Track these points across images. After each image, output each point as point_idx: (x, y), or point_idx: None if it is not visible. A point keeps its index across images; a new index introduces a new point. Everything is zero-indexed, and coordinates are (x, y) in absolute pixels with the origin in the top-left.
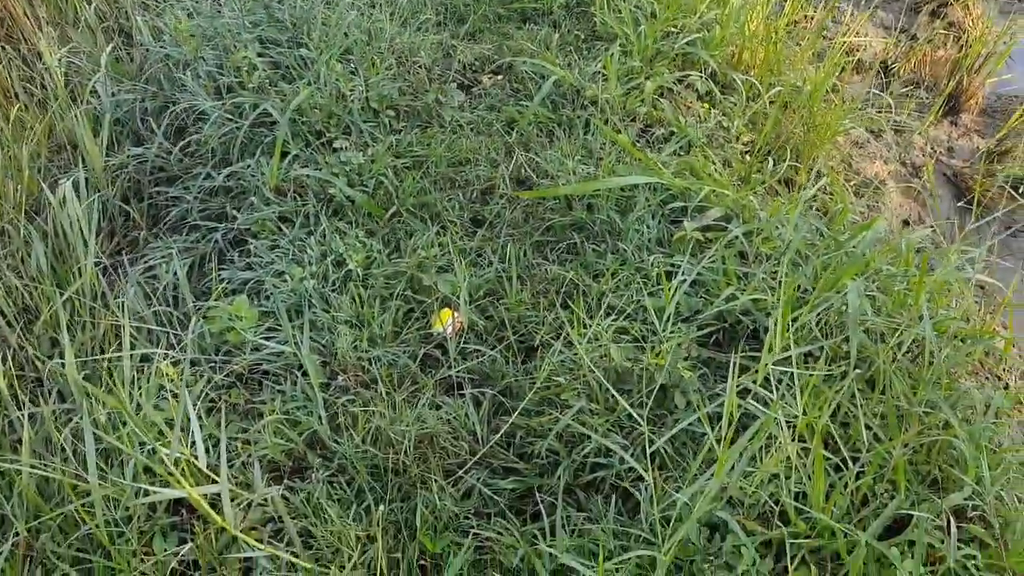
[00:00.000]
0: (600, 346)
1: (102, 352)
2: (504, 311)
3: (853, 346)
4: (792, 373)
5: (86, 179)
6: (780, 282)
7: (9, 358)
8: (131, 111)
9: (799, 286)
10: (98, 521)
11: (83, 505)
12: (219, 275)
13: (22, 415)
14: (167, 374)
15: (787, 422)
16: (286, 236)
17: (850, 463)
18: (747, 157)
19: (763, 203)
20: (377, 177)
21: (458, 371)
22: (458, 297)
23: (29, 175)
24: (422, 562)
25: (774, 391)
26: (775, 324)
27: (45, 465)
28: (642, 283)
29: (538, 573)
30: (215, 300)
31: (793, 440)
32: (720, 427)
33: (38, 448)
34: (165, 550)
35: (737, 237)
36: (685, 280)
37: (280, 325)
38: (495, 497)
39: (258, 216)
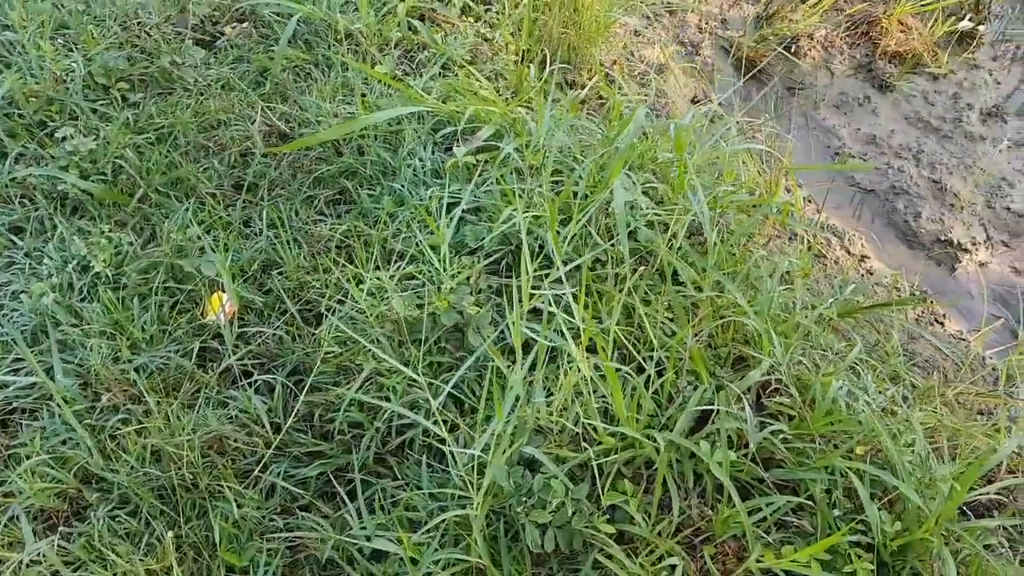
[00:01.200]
0: (386, 300)
1: None
2: (283, 281)
3: (623, 244)
4: (565, 285)
5: None
6: (550, 193)
7: None
8: None
9: (575, 193)
10: None
11: None
12: None
13: None
14: None
15: (574, 337)
16: (20, 248)
17: (648, 364)
18: (519, 67)
19: (534, 114)
20: (114, 161)
21: (240, 358)
22: (224, 278)
23: None
24: None
25: (557, 307)
26: (549, 238)
27: None
28: (423, 221)
29: (356, 560)
30: None
31: (584, 355)
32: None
33: None
34: None
35: (508, 155)
36: (458, 210)
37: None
38: (300, 490)
39: None
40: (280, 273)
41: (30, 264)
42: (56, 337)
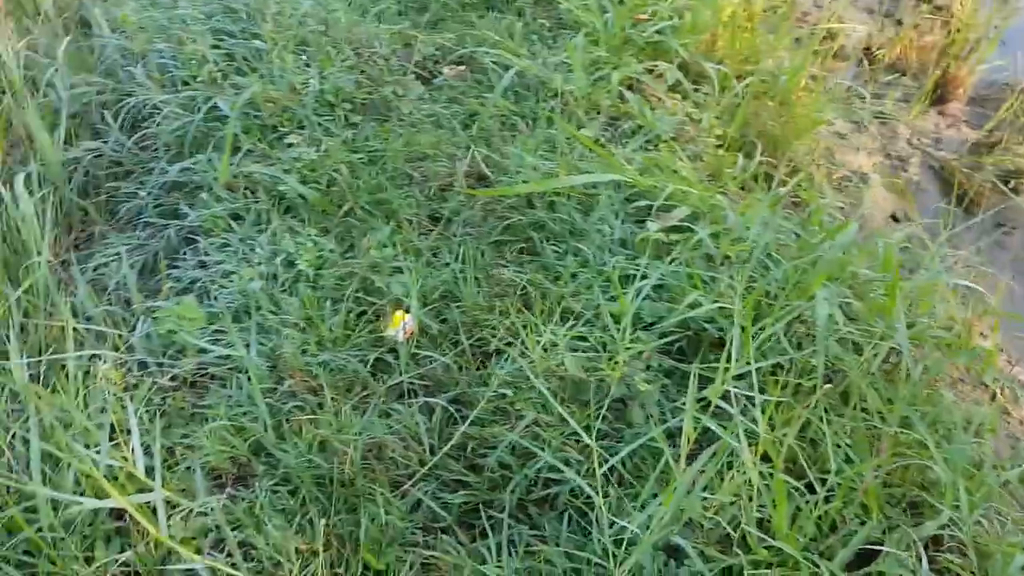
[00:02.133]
0: (556, 354)
1: (54, 352)
2: (459, 314)
3: (820, 359)
4: (755, 388)
5: (41, 174)
6: (743, 288)
7: None
8: (88, 104)
9: (768, 292)
10: (41, 525)
11: (26, 509)
12: (169, 274)
13: None
14: (110, 379)
15: (749, 442)
16: (236, 234)
17: (818, 486)
18: (719, 152)
19: (734, 202)
20: (331, 173)
21: (410, 377)
22: (410, 299)
23: None
24: None
25: (735, 406)
26: (737, 334)
27: None
28: (603, 287)
29: None
30: (163, 300)
31: (757, 461)
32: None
33: None
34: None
35: (702, 239)
36: (644, 284)
37: (226, 327)
38: (443, 512)
39: (208, 213)
40: (458, 306)
41: (242, 250)
42: (256, 319)
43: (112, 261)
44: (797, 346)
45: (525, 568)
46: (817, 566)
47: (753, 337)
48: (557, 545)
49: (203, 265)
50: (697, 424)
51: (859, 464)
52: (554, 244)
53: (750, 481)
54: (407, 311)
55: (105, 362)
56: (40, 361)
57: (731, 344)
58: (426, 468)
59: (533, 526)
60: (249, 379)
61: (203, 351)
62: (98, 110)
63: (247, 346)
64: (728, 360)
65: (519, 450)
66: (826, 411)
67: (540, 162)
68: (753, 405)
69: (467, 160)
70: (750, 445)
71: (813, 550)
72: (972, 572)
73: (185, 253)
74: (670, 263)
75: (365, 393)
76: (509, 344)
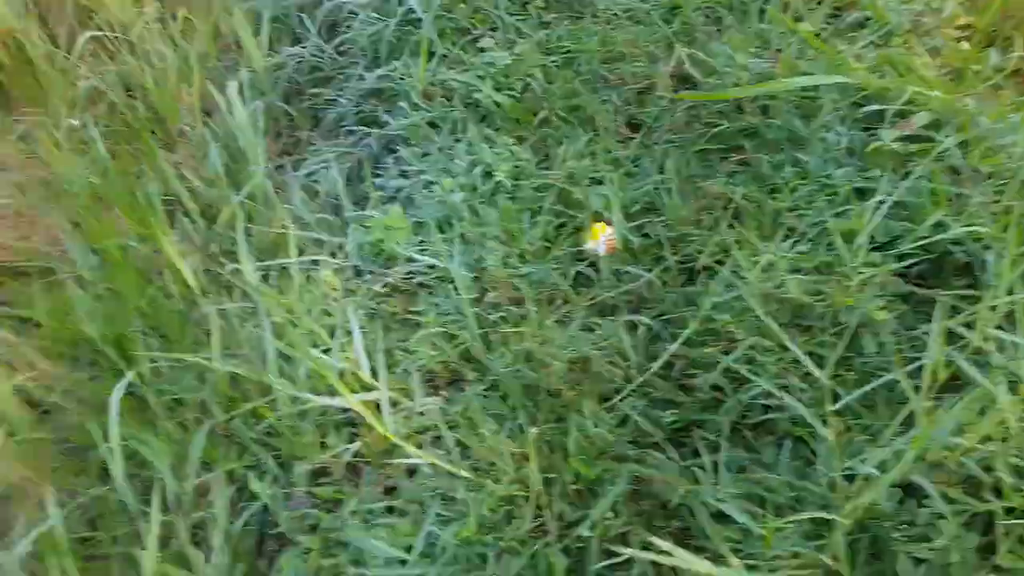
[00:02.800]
0: (775, 275)
1: (274, 256)
2: (663, 228)
3: None
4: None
5: (250, 80)
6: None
7: (197, 255)
8: (288, 8)
9: None
10: (280, 415)
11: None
12: (373, 183)
13: (211, 310)
14: (330, 283)
15: (1010, 382)
16: (435, 143)
17: None
18: (963, 45)
19: (983, 105)
20: (524, 79)
21: (612, 293)
22: (610, 212)
23: (200, 77)
24: (576, 486)
25: (991, 344)
26: (998, 257)
27: (233, 358)
28: (827, 202)
29: (697, 515)
30: (372, 209)
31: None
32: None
33: (226, 343)
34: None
35: (948, 149)
36: (883, 202)
37: (431, 237)
38: (654, 428)
39: (408, 122)
40: (661, 220)
41: (442, 160)
42: (459, 230)
43: (321, 168)
44: None
45: (742, 492)
46: None
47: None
48: (776, 473)
49: (405, 175)
50: (946, 360)
51: None
52: (769, 154)
53: (1005, 422)
54: (607, 224)
55: (323, 269)
56: (267, 265)
57: (994, 266)
58: (634, 385)
59: (748, 448)
60: (456, 289)
61: (411, 259)
62: (296, 14)
63: (452, 257)
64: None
65: (732, 374)
66: None
67: (751, 60)
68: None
69: (669, 61)
70: (1010, 386)
71: None
72: None
73: (388, 161)
74: (907, 176)
75: (567, 307)
76: (719, 262)
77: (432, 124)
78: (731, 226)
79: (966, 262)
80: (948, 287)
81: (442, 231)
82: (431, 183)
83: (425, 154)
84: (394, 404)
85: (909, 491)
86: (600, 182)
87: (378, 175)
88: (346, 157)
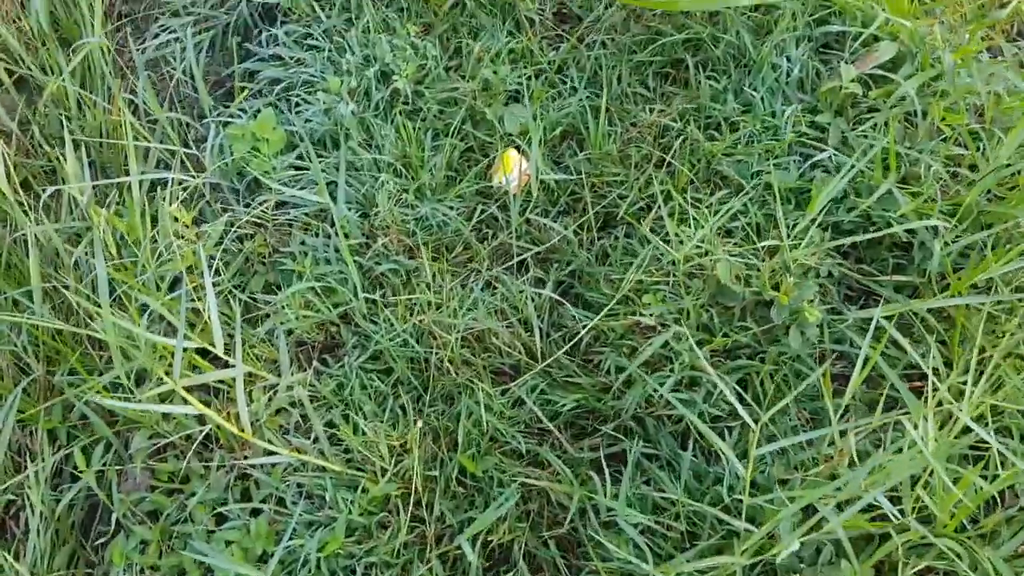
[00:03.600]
0: (702, 244)
1: (110, 160)
2: (584, 162)
3: None
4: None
5: None
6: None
7: (11, 148)
8: None
9: (985, 193)
10: (118, 372)
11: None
12: (242, 68)
13: (30, 224)
14: (178, 220)
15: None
16: (321, 23)
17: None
18: None
19: (953, 37)
20: None
21: (519, 243)
22: (526, 142)
23: None
24: (461, 479)
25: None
26: (937, 251)
27: (55, 289)
28: (769, 146)
29: (589, 525)
30: (237, 107)
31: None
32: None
33: (47, 269)
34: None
35: (906, 97)
36: (827, 170)
37: (310, 157)
38: (547, 421)
39: None
40: (583, 151)
41: (329, 49)
42: (345, 154)
43: (173, 39)
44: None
45: (638, 497)
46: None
47: (947, 246)
48: (677, 473)
49: (281, 61)
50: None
51: None
52: (713, 75)
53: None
54: (522, 153)
55: (170, 200)
56: (100, 183)
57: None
58: (536, 370)
59: (647, 439)
60: (339, 234)
61: (285, 184)
62: None
63: (333, 195)
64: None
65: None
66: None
67: None
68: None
69: None
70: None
71: (974, 530)
72: None
73: (260, 35)
74: (859, 124)
75: (468, 256)
76: (645, 209)
77: None
78: (659, 165)
79: (906, 242)
80: (882, 263)
81: (324, 150)
82: (313, 80)
83: (307, 35)
84: (253, 380)
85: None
86: (518, 97)
87: (247, 56)
88: (208, 23)
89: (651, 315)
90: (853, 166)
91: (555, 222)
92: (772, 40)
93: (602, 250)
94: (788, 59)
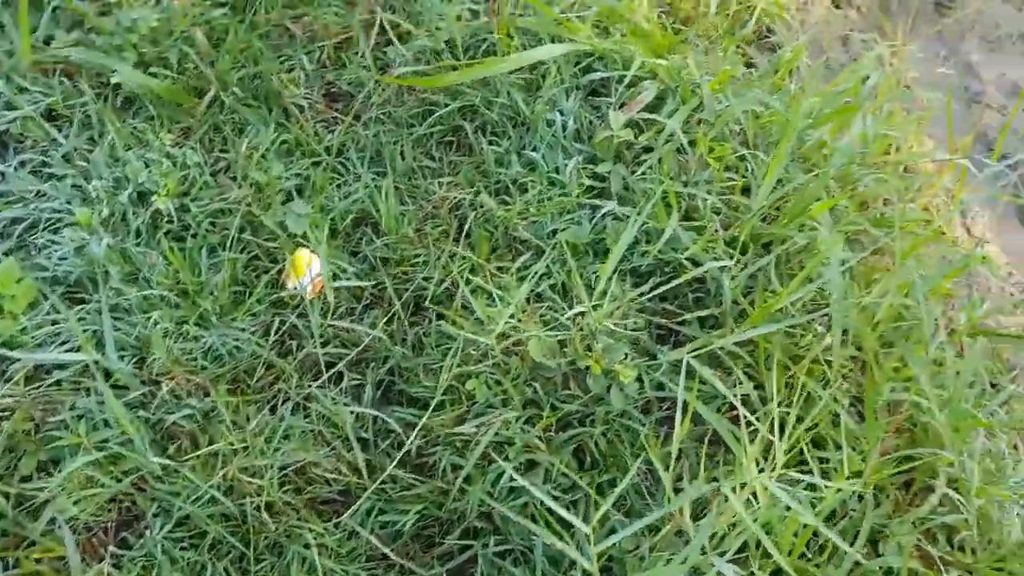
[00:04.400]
0: (512, 320)
1: None
2: (382, 247)
3: (837, 335)
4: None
5: None
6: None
7: None
8: None
9: (764, 207)
10: None
11: None
12: None
13: None
14: None
15: (750, 433)
16: (60, 146)
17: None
18: None
19: (707, 62)
20: (180, 45)
21: (326, 350)
22: (315, 239)
23: None
24: None
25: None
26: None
27: None
28: (559, 203)
29: None
30: None
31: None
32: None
33: None
34: None
35: (674, 135)
36: (615, 216)
37: (65, 307)
38: (385, 545)
39: (14, 115)
40: (378, 235)
41: (72, 176)
42: (107, 296)
43: None
44: (781, 279)
45: None
46: None
47: (735, 278)
48: (532, 565)
49: (20, 199)
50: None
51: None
52: (494, 138)
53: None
54: (312, 252)
55: None
56: None
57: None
58: (367, 495)
59: (497, 531)
60: (108, 396)
61: (40, 345)
62: None
63: (101, 341)
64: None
65: (474, 446)
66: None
67: (462, 8)
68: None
69: (364, 7)
70: (749, 440)
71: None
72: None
73: None
74: (637, 167)
75: (271, 378)
76: (452, 287)
77: (52, 113)
78: (458, 239)
79: (700, 278)
80: (683, 299)
81: (84, 293)
82: (58, 215)
83: (44, 163)
84: None
85: None
86: (299, 192)
87: None
88: None
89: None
90: (639, 215)
91: (362, 318)
92: (543, 96)
93: (417, 339)
94: (561, 112)
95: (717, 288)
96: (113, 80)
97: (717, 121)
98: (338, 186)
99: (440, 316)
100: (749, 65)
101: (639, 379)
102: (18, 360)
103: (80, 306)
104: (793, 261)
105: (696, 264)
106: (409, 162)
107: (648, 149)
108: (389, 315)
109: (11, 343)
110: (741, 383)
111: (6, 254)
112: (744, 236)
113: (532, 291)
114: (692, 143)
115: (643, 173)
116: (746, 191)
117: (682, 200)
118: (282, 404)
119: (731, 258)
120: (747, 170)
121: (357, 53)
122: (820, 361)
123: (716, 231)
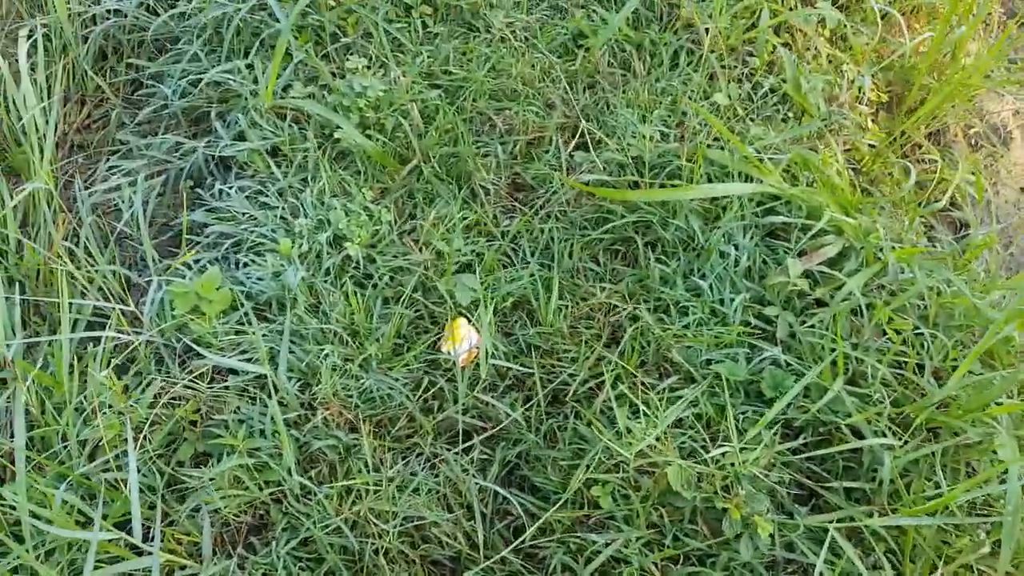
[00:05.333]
0: (654, 442)
1: (45, 307)
2: (535, 335)
3: (1004, 558)
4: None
5: (47, 35)
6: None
7: None
8: None
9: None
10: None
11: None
12: (190, 218)
13: None
14: (107, 386)
15: None
16: (276, 180)
17: None
18: (873, 126)
19: (894, 219)
20: (397, 116)
21: (465, 418)
22: (477, 315)
23: None
24: None
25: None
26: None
27: None
28: (718, 335)
29: None
30: (180, 262)
31: None
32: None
33: None
34: None
35: (852, 295)
36: (777, 363)
37: (253, 321)
38: None
39: (245, 146)
40: (533, 322)
41: (282, 209)
42: (290, 321)
43: (125, 183)
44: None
45: None
46: None
47: (897, 457)
48: None
49: (232, 216)
50: None
51: None
52: (662, 257)
53: None
54: (472, 324)
55: (100, 363)
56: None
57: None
58: (476, 571)
59: None
60: (274, 412)
61: (222, 349)
62: None
63: (276, 357)
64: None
65: (592, 549)
66: None
67: (655, 130)
68: None
69: (565, 108)
70: None
71: None
72: None
73: (213, 188)
74: (805, 318)
75: (411, 429)
76: (589, 396)
77: (276, 151)
78: (609, 344)
79: (855, 448)
80: (832, 463)
81: (269, 312)
82: (263, 240)
83: (260, 192)
84: (171, 569)
85: None
86: (471, 266)
87: (198, 203)
88: (161, 167)
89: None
90: (806, 371)
91: (503, 397)
92: (721, 229)
93: (551, 430)
94: (736, 247)
95: (872, 461)
96: (336, 135)
97: (900, 294)
98: (504, 266)
99: (578, 414)
100: (928, 232)
101: (771, 534)
102: (204, 358)
103: (264, 324)
104: (961, 455)
105: (857, 434)
106: (575, 261)
107: (820, 303)
108: (530, 402)
109: (200, 341)
110: (882, 569)
111: (210, 263)
112: (919, 420)
113: (678, 417)
114: (869, 306)
115: (812, 326)
116: (919, 367)
117: (850, 363)
118: (415, 457)
119: (896, 436)
120: (923, 347)
121: (548, 152)
122: (972, 568)
123: (883, 403)
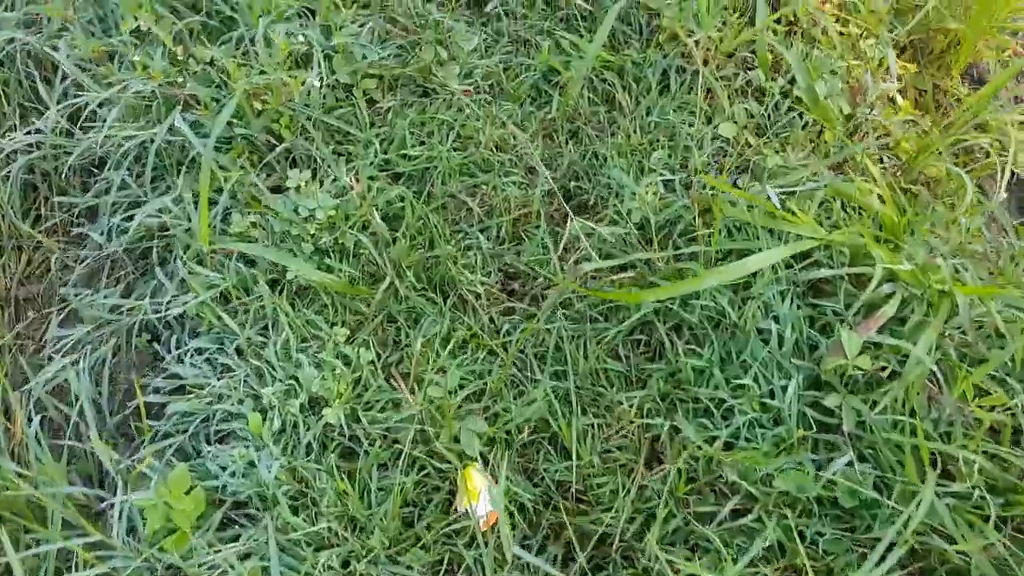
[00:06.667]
0: None
1: None
2: (563, 469)
3: None
4: None
5: None
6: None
7: None
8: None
9: None
10: None
11: None
12: (143, 401)
13: None
14: None
15: None
16: (234, 336)
17: None
18: (904, 102)
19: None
20: (356, 234)
21: None
22: (493, 466)
23: None
24: None
25: None
26: None
27: None
28: (775, 439)
29: None
30: (143, 463)
31: None
32: None
33: None
34: None
35: (921, 362)
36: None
37: (236, 516)
38: None
39: (192, 301)
40: (556, 449)
41: (245, 370)
42: (274, 532)
43: (70, 366)
44: None
45: None
46: None
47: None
48: None
49: (188, 390)
50: None
51: None
52: (691, 342)
53: None
54: (486, 474)
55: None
56: None
57: None
58: None
59: None
60: None
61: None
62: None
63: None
64: None
65: None
66: None
67: (657, 179)
68: None
69: (541, 178)
70: None
71: None
72: None
73: (171, 339)
74: (875, 404)
75: None
76: (639, 535)
77: (224, 298)
78: (649, 462)
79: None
80: None
81: (250, 508)
82: (230, 417)
83: (221, 349)
84: None
85: None
86: (475, 395)
87: (156, 364)
88: (110, 327)
89: None
90: (883, 476)
91: (543, 548)
92: (754, 300)
93: None
94: (776, 320)
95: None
96: (288, 276)
97: (979, 370)
98: (514, 384)
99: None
100: None
101: None
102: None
103: (244, 529)
104: None
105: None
106: (592, 362)
107: (885, 369)
108: (569, 562)
109: (187, 557)
110: None
111: (177, 451)
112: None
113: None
114: (944, 357)
115: (884, 408)
116: (1017, 435)
117: (935, 455)
118: None
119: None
120: (1019, 407)
121: (538, 227)
122: None
123: (984, 499)
